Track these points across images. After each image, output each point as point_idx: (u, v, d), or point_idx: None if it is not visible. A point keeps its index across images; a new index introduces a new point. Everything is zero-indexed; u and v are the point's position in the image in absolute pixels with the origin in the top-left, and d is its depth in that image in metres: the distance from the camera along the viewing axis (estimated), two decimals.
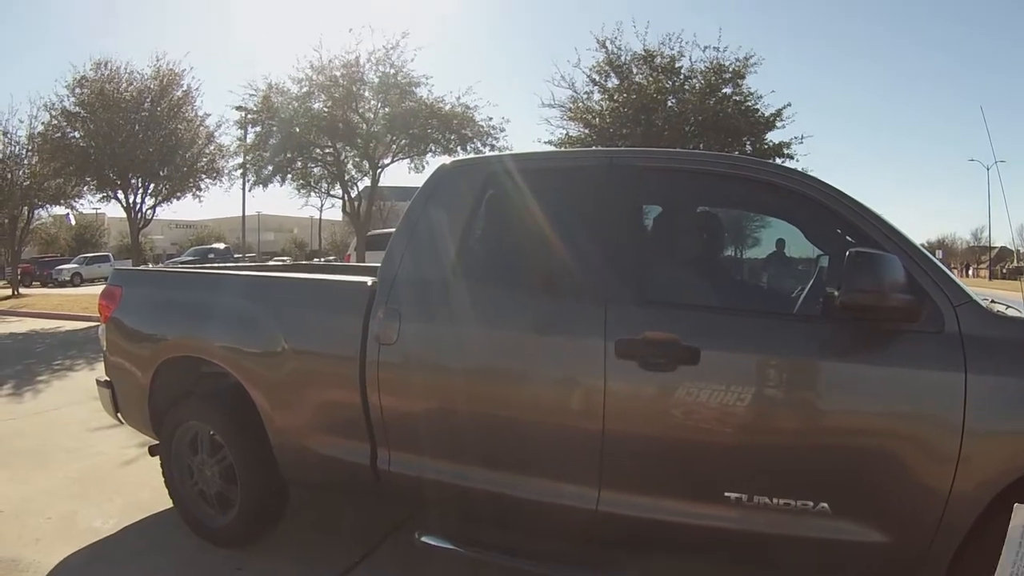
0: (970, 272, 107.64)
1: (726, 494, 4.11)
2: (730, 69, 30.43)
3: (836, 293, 3.88)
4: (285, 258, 75.55)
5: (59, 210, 45.98)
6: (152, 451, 6.26)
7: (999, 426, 3.72)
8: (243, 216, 54.46)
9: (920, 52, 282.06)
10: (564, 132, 33.50)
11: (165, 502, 6.17)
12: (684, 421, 4.16)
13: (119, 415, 6.50)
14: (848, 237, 4.28)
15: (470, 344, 4.76)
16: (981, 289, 5.25)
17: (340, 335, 5.07)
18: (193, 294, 6.08)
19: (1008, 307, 4.41)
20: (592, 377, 4.31)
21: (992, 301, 4.49)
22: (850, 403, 4.00)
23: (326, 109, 32.45)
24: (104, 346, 6.46)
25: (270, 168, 34.71)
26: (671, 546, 4.48)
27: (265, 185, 35.69)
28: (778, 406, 4.12)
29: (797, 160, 31.30)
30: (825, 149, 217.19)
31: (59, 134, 33.36)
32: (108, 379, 6.48)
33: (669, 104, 30.77)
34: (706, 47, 30.56)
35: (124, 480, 7.43)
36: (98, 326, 6.69)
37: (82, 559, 5.61)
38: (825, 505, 3.95)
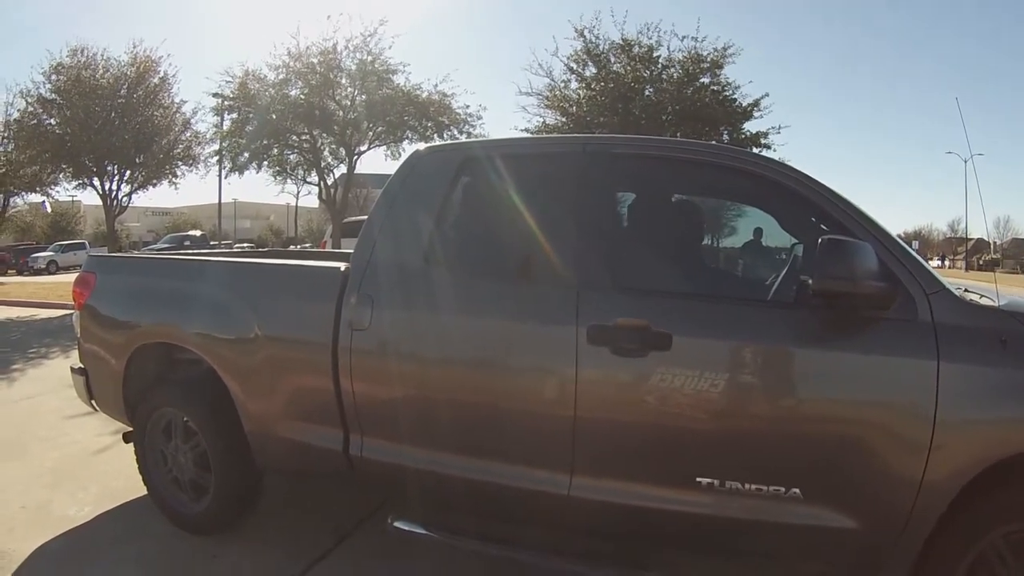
0: (946, 263, 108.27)
1: (698, 479, 4.13)
2: (708, 59, 30.33)
3: (810, 281, 3.89)
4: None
5: (35, 198, 45.77)
6: (126, 438, 6.23)
7: (971, 415, 3.74)
8: (219, 203, 54.23)
9: (898, 49, 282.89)
10: (541, 120, 33.44)
11: (139, 489, 6.16)
12: (656, 407, 4.17)
13: (93, 402, 6.48)
14: (822, 225, 4.29)
15: (442, 330, 4.76)
16: (957, 280, 5.26)
17: (313, 321, 5.06)
18: (166, 280, 6.05)
19: (981, 296, 4.42)
20: (564, 363, 4.32)
21: (965, 290, 4.51)
22: (822, 390, 4.02)
23: (303, 96, 32.19)
24: (78, 333, 6.42)
25: (246, 155, 34.44)
26: (642, 531, 4.50)
27: (241, 172, 35.45)
28: (750, 392, 4.13)
29: (774, 150, 31.35)
30: (803, 143, 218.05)
31: (35, 121, 32.91)
32: (82, 366, 6.45)
33: (647, 93, 30.69)
34: (684, 37, 30.46)
35: (99, 468, 7.41)
36: (73, 313, 6.65)
37: (57, 547, 5.59)
38: (797, 491, 3.97)
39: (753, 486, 4.04)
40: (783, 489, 3.99)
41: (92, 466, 7.49)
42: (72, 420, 9.11)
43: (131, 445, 6.12)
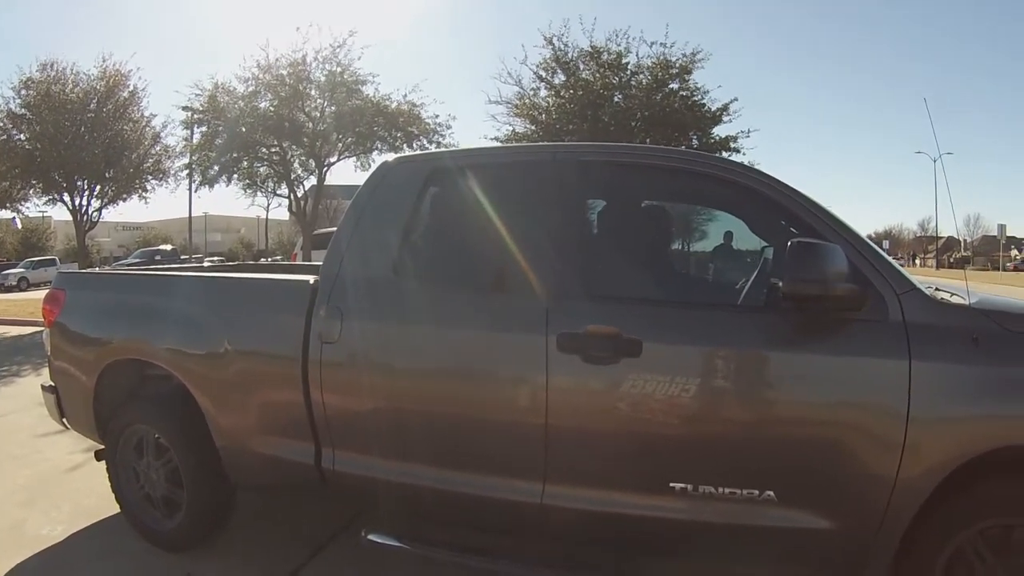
0: (917, 262, 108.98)
1: (671, 485, 4.13)
2: (677, 65, 30.54)
3: (780, 284, 3.90)
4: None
5: (5, 214, 45.61)
6: (98, 456, 6.18)
7: (944, 413, 3.77)
8: (190, 217, 54.07)
9: (865, 48, 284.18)
10: (510, 129, 33.67)
11: (113, 507, 6.12)
12: (628, 414, 4.18)
13: (64, 420, 6.42)
14: (792, 228, 4.32)
15: (413, 341, 4.77)
16: (927, 278, 5.29)
17: (282, 334, 5.06)
18: (136, 296, 6.01)
19: (952, 295, 4.45)
20: (535, 372, 4.33)
21: (936, 289, 4.54)
22: (794, 392, 4.05)
23: (272, 108, 32.20)
24: (48, 351, 6.38)
25: (216, 168, 34.42)
26: (618, 539, 4.51)
27: (211, 185, 35.43)
28: (721, 396, 4.16)
29: (744, 154, 31.54)
30: (773, 145, 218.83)
31: (4, 136, 32.82)
32: (53, 384, 6.39)
33: (616, 100, 30.83)
34: (653, 43, 30.69)
35: (72, 486, 7.36)
36: (43, 331, 6.61)
37: (32, 567, 5.56)
38: (771, 493, 3.99)
39: (727, 490, 4.05)
40: (757, 492, 4.01)
41: (65, 484, 7.44)
42: (44, 438, 9.04)
43: (103, 463, 6.08)
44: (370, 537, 4.80)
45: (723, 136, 31.77)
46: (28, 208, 41.31)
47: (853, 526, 3.93)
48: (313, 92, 32.98)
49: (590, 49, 30.99)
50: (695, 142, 31.20)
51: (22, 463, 8.18)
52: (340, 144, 34.97)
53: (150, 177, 37.16)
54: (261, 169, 36.47)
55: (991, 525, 3.78)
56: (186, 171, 36.91)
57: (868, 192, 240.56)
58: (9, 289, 53.54)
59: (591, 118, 30.10)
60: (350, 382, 4.87)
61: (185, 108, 34.19)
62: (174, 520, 5.68)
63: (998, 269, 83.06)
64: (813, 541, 4.01)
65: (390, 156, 5.72)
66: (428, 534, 4.87)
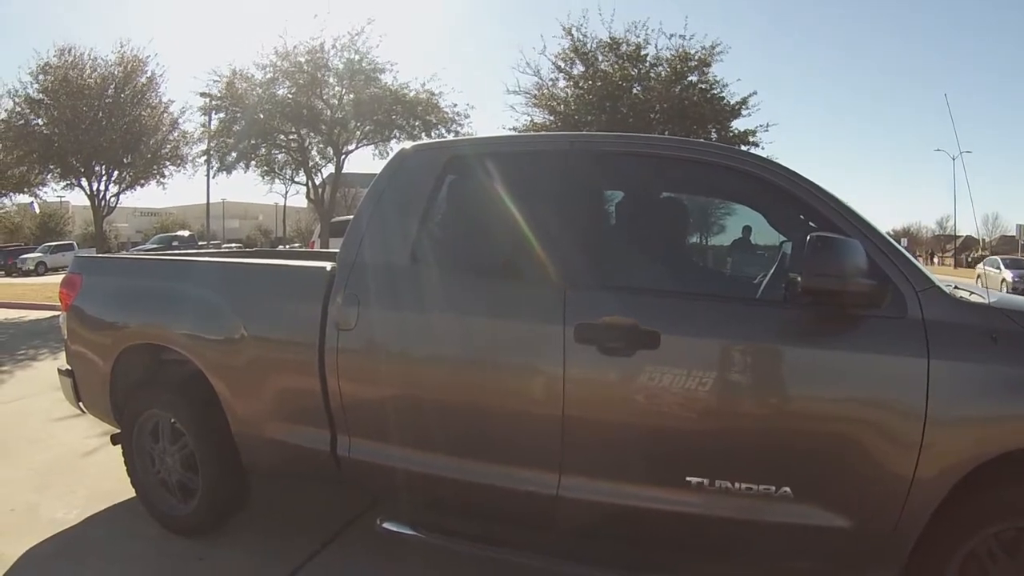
0: (935, 260, 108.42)
1: (687, 479, 4.11)
2: (696, 57, 30.48)
3: (799, 278, 3.87)
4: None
5: (23, 198, 45.61)
6: (114, 440, 6.20)
7: (962, 413, 3.74)
8: (207, 203, 54.02)
9: (885, 44, 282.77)
10: (529, 119, 33.55)
11: (128, 492, 6.13)
12: (644, 406, 4.16)
13: (81, 404, 6.45)
14: (810, 222, 4.28)
15: (430, 330, 4.75)
16: (946, 277, 5.27)
17: (299, 321, 5.05)
18: (152, 281, 6.03)
19: (971, 293, 4.43)
20: (551, 362, 4.30)
21: (955, 287, 4.51)
22: (811, 388, 4.01)
23: (290, 95, 32.20)
24: (65, 335, 6.39)
25: (234, 155, 34.42)
26: (632, 532, 4.49)
27: (229, 172, 35.40)
28: (739, 391, 4.12)
29: (763, 148, 31.48)
30: (791, 140, 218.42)
31: (22, 121, 32.79)
32: (69, 368, 6.41)
33: (634, 91, 30.82)
34: (672, 35, 30.67)
35: (87, 470, 7.38)
36: (60, 315, 6.62)
37: (47, 550, 5.57)
38: (787, 490, 3.96)
39: (743, 485, 4.02)
40: (773, 488, 3.98)
41: (80, 468, 7.47)
42: (60, 422, 9.06)
43: (119, 447, 6.09)
44: (385, 525, 4.80)
45: (742, 130, 31.80)
46: (46, 193, 41.28)
47: (869, 525, 3.90)
48: (331, 79, 32.96)
49: (609, 40, 31.00)
50: (714, 135, 31.18)
51: (38, 447, 8.19)
52: (358, 132, 34.92)
53: (168, 163, 37.13)
54: (279, 156, 36.52)
55: (1007, 527, 3.76)
56: (204, 157, 36.89)
57: (886, 189, 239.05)
58: (27, 273, 53.72)
59: (610, 109, 30.13)
60: (367, 369, 4.86)
61: (203, 94, 34.27)
62: (189, 505, 5.70)
63: None
64: (828, 539, 3.97)
65: (407, 143, 5.70)
66: (443, 523, 4.86)
